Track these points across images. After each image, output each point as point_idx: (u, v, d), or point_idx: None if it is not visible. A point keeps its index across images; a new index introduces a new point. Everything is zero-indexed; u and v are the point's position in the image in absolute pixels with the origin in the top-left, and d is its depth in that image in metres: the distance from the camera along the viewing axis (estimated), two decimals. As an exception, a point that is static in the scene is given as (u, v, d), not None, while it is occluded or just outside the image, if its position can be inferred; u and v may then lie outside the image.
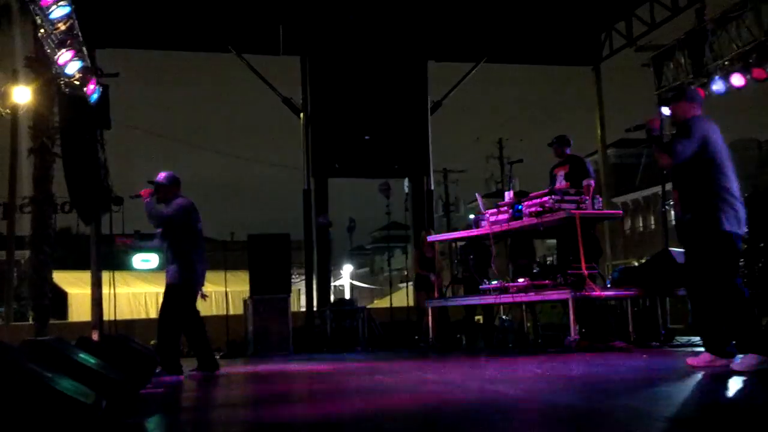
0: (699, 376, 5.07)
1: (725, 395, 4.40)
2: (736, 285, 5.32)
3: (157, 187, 7.48)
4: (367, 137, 12.85)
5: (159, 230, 7.48)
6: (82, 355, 3.91)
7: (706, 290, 5.35)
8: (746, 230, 5.38)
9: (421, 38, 13.54)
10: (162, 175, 7.55)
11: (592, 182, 9.05)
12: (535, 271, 9.48)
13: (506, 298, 9.19)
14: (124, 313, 17.18)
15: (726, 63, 10.54)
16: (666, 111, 6.60)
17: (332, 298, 13.80)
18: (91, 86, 9.72)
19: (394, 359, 8.25)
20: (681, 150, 5.28)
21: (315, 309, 12.60)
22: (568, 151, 9.60)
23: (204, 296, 7.62)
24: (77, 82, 9.31)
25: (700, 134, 5.32)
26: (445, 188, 40.54)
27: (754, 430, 3.11)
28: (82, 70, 9.12)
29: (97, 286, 11.89)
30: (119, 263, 21.49)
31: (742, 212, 5.31)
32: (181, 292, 7.30)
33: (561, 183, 9.31)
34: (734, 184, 5.35)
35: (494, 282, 9.55)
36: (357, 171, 13.83)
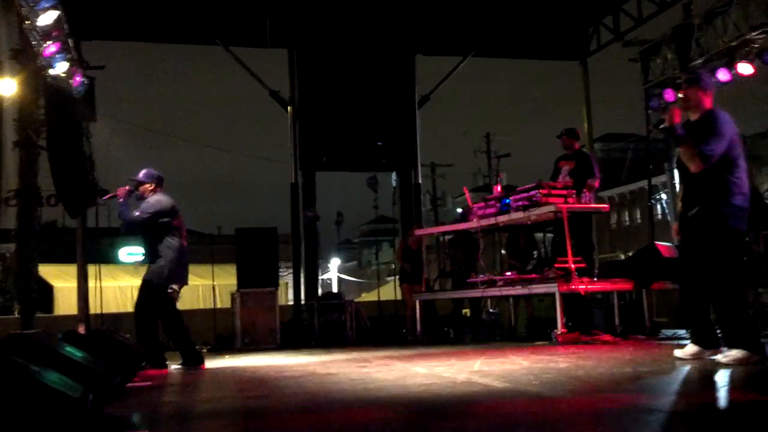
0: (686, 368, 5.10)
1: (711, 388, 4.43)
2: (740, 283, 5.31)
3: (137, 184, 7.45)
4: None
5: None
6: (68, 349, 3.89)
7: (700, 283, 5.33)
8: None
9: (409, 32, 13.52)
10: (142, 173, 7.52)
11: (597, 183, 9.06)
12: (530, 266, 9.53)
13: (493, 292, 9.23)
14: (111, 306, 17.06)
15: (712, 58, 10.58)
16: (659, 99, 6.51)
17: (320, 291, 13.79)
18: (77, 79, 9.66)
19: (381, 352, 8.26)
20: (711, 154, 5.12)
21: (302, 302, 12.58)
22: (576, 145, 9.58)
23: (175, 295, 7.51)
24: (63, 75, 9.24)
25: (727, 135, 5.19)
26: (433, 182, 40.55)
27: (740, 423, 3.14)
28: (67, 63, 9.05)
29: (83, 279, 11.83)
30: (105, 256, 21.38)
31: (747, 208, 5.28)
32: (154, 289, 7.29)
33: (565, 177, 9.30)
34: (746, 182, 5.28)
35: (481, 275, 9.58)
36: (344, 165, 13.82)
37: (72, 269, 13.49)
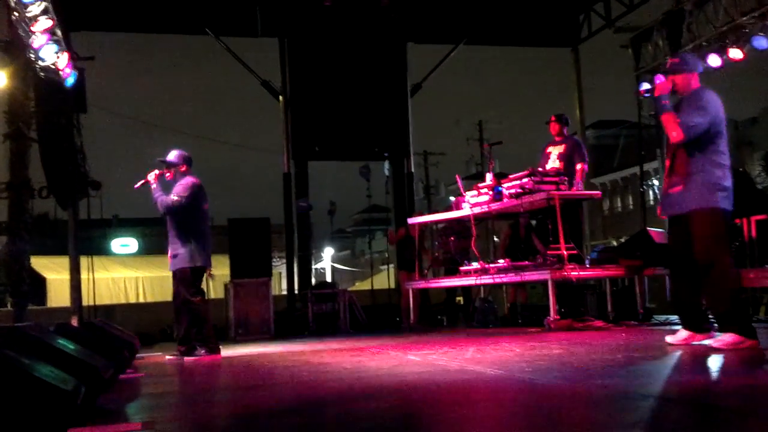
0: (677, 353, 5.12)
1: (703, 373, 4.45)
2: (730, 264, 5.33)
3: (170, 166, 7.38)
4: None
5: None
6: (61, 341, 3.88)
7: (690, 267, 5.34)
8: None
9: (400, 20, 13.48)
10: (173, 154, 7.44)
11: (586, 167, 9.09)
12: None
13: (486, 279, 9.24)
14: (104, 298, 17.09)
15: (703, 44, 10.59)
16: (645, 85, 6.57)
17: (313, 281, 13.79)
18: (67, 70, 9.60)
19: (375, 341, 8.28)
20: (695, 127, 5.16)
21: (296, 292, 12.59)
22: (565, 131, 9.58)
23: (212, 276, 7.56)
24: (52, 66, 9.18)
25: (713, 111, 5.23)
26: (426, 171, 40.60)
27: (732, 408, 3.16)
28: (57, 54, 8.99)
29: (75, 271, 11.80)
30: (98, 248, 21.34)
31: (732, 188, 5.30)
32: (194, 275, 7.26)
33: (554, 162, 9.30)
34: (729, 160, 5.33)
35: (475, 263, 9.59)
36: (337, 154, 13.81)
37: (64, 261, 13.47)
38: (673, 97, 5.47)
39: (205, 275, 7.53)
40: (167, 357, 7.29)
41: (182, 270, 7.26)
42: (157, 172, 7.36)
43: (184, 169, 7.39)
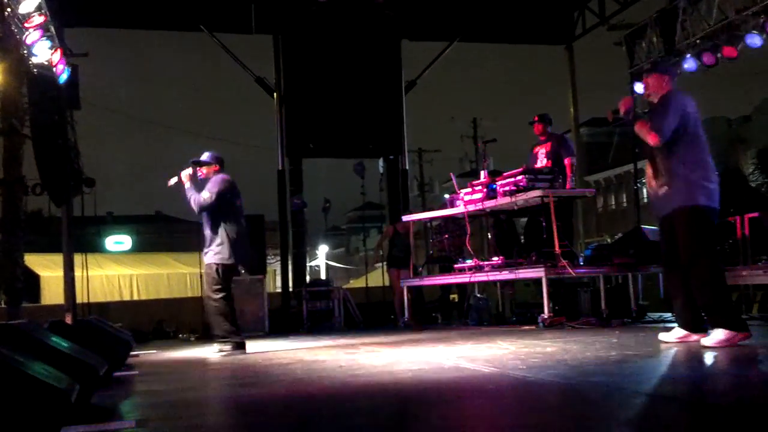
0: (671, 351, 5.14)
1: (697, 370, 4.47)
2: (714, 260, 5.37)
3: (201, 165, 7.43)
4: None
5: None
6: (54, 339, 3.88)
7: (680, 266, 5.39)
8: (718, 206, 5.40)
9: (394, 17, 13.47)
10: (206, 155, 7.52)
11: (574, 160, 9.13)
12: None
13: (480, 277, 9.26)
14: (98, 295, 17.02)
15: (697, 41, 10.61)
16: (639, 87, 6.63)
17: (308, 278, 13.79)
18: (60, 66, 9.56)
19: (370, 338, 8.28)
20: (665, 128, 5.27)
21: (290, 290, 12.59)
22: (549, 129, 9.63)
23: (242, 272, 7.53)
24: (46, 63, 9.15)
25: (678, 109, 5.33)
26: (420, 168, 40.58)
27: (725, 405, 3.17)
28: (50, 50, 8.96)
29: (69, 268, 11.78)
30: (92, 245, 21.30)
31: (716, 186, 5.35)
32: (222, 272, 7.28)
33: (542, 161, 9.35)
34: (709, 158, 5.39)
35: (469, 261, 9.60)
36: (331, 151, 13.81)
37: (58, 258, 13.43)
38: (648, 99, 5.67)
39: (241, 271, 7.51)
40: (211, 356, 7.24)
41: (209, 266, 7.32)
42: (190, 171, 7.39)
43: (216, 168, 7.47)
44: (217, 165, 7.49)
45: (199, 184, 7.42)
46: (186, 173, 7.38)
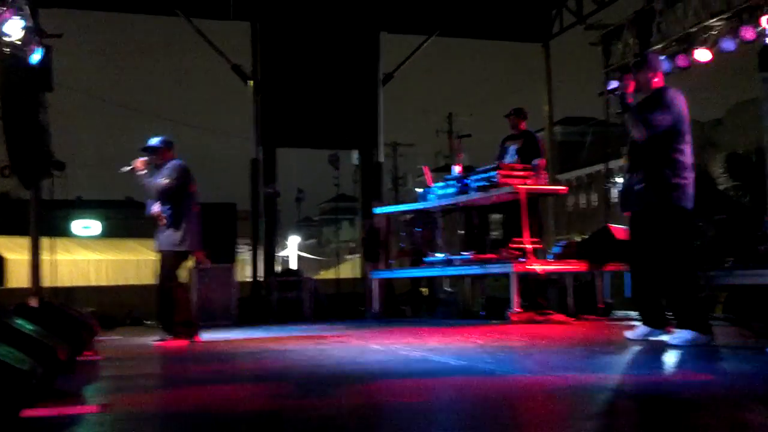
0: (635, 348, 5.21)
1: (659, 367, 4.52)
2: (687, 261, 5.41)
3: (153, 151, 7.33)
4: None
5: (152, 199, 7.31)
6: (19, 322, 3.82)
7: (650, 263, 5.42)
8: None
9: (373, 8, 13.43)
10: (155, 140, 7.39)
11: (543, 162, 9.15)
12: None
13: (451, 271, 9.30)
14: (65, 280, 16.82)
15: (672, 43, 10.71)
16: (614, 84, 6.55)
17: (278, 268, 13.73)
18: (33, 47, 9.41)
19: (339, 329, 8.28)
20: (658, 123, 5.24)
21: (260, 279, 12.53)
22: (523, 125, 9.63)
23: (201, 261, 7.50)
24: (18, 43, 9.00)
25: (674, 106, 5.30)
26: (394, 161, 40.63)
27: (686, 401, 3.21)
28: (23, 30, 8.82)
29: (36, 252, 11.62)
30: (59, 229, 21.02)
31: (692, 188, 5.37)
32: (182, 257, 7.27)
33: (513, 157, 9.35)
34: (690, 159, 5.40)
35: (440, 255, 9.63)
36: (306, 141, 13.73)
37: (25, 241, 13.24)
38: (637, 95, 5.58)
39: (192, 259, 7.51)
40: (151, 341, 7.21)
41: (164, 252, 7.25)
42: (143, 158, 7.30)
43: (168, 152, 7.36)
44: (168, 149, 7.38)
45: (152, 171, 7.33)
46: (140, 161, 7.29)
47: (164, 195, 7.20)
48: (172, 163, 7.27)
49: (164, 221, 7.19)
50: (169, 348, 6.84)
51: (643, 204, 5.39)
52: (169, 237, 7.21)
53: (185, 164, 7.36)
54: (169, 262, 7.22)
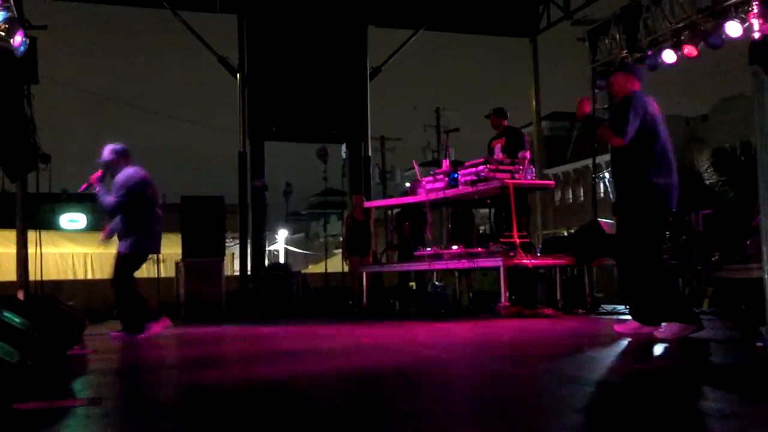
0: (624, 342, 5.23)
1: (649, 361, 4.55)
2: (658, 257, 5.48)
3: (106, 165, 7.31)
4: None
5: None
6: (7, 314, 3.80)
7: (631, 260, 5.50)
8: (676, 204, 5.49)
9: (361, 2, 13.41)
10: (106, 152, 7.36)
11: (528, 154, 9.19)
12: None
13: (439, 265, 9.31)
14: (51, 273, 16.72)
15: (659, 39, 10.74)
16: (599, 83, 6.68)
17: (266, 262, 13.70)
18: (18, 38, 9.33)
19: (328, 324, 8.28)
20: (627, 129, 5.33)
21: (249, 273, 12.51)
22: (505, 123, 9.69)
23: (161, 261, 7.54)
24: (2, 34, 8.92)
25: (639, 109, 5.39)
26: (382, 155, 40.58)
27: (675, 395, 3.24)
28: (7, 20, 8.74)
29: (22, 245, 11.54)
30: (46, 222, 20.91)
31: (673, 186, 5.44)
32: (132, 261, 7.30)
33: (498, 156, 9.40)
34: (668, 157, 5.47)
35: (428, 249, 9.64)
36: (294, 135, 13.70)
37: (11, 235, 13.15)
38: (611, 100, 5.76)
39: (154, 257, 7.54)
40: (110, 334, 7.25)
41: (122, 254, 7.30)
42: (99, 173, 7.30)
43: (121, 162, 7.34)
44: (120, 158, 7.37)
45: (110, 181, 7.36)
46: (95, 176, 7.31)
47: (114, 212, 7.29)
48: (122, 175, 7.26)
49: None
50: (124, 340, 6.93)
51: (621, 204, 5.51)
52: (124, 240, 7.28)
53: (138, 173, 7.34)
54: (121, 263, 7.29)
